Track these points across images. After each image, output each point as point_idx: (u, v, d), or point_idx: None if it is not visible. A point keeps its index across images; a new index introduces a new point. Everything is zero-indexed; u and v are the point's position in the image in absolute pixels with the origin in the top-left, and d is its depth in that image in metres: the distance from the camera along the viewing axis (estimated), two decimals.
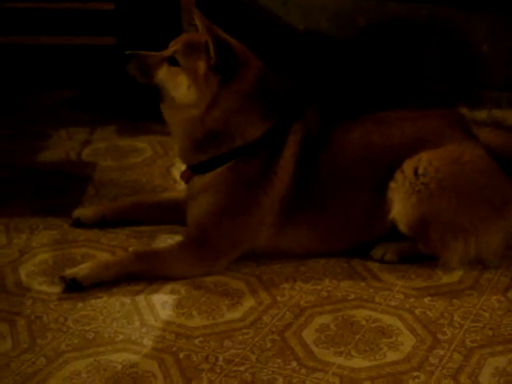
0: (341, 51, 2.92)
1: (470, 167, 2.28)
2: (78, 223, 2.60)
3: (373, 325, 2.06)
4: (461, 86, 2.92)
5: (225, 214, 2.31)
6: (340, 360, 1.93)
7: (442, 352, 1.95)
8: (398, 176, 2.31)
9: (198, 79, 2.27)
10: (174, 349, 1.98)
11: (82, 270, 2.25)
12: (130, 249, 2.45)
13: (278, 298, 2.19)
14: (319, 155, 2.34)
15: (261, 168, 2.31)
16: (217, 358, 1.95)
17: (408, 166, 2.30)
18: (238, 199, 2.31)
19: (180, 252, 2.32)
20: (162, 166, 3.08)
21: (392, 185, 2.32)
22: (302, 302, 2.17)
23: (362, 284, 2.25)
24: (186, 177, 2.42)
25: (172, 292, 2.23)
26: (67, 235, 2.56)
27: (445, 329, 2.04)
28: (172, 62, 2.32)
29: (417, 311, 2.11)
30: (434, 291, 2.21)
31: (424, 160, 2.29)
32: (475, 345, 1.97)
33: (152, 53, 2.37)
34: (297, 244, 2.38)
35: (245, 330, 2.05)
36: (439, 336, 2.01)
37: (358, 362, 1.92)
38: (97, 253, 2.44)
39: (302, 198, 2.33)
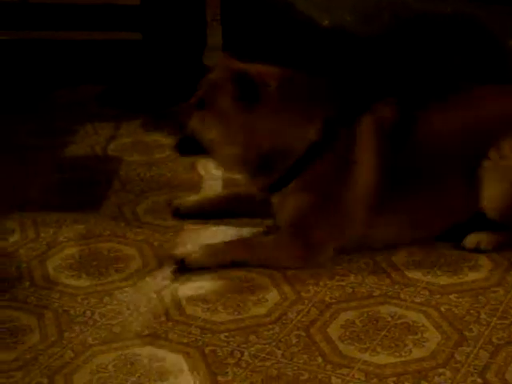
0: (365, 47, 2.90)
1: None
2: (177, 213, 2.63)
3: (398, 321, 2.06)
4: (488, 82, 2.89)
5: (313, 211, 2.32)
6: (365, 356, 1.93)
7: (468, 349, 1.94)
8: (493, 154, 2.30)
9: (224, 115, 2.29)
10: (200, 343, 1.99)
11: (193, 253, 2.31)
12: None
13: (303, 294, 2.19)
14: (405, 144, 2.33)
15: (337, 163, 2.31)
16: (242, 353, 1.96)
17: (504, 145, 2.29)
18: (323, 196, 2.32)
19: (279, 246, 2.35)
20: (186, 162, 3.09)
21: (486, 163, 2.30)
22: (326, 298, 2.17)
23: (387, 280, 2.25)
24: (263, 196, 2.44)
25: (198, 287, 2.24)
26: (94, 230, 2.58)
27: (471, 326, 2.03)
28: (199, 105, 2.35)
29: (442, 308, 2.11)
30: (460, 288, 2.20)
31: None
32: (502, 342, 1.96)
33: (183, 104, 2.41)
34: (388, 234, 2.39)
35: (270, 326, 2.06)
36: (465, 333, 2.00)
37: (384, 359, 1.92)
38: (122, 247, 2.46)
39: (390, 188, 2.32)
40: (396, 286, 2.22)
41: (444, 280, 2.24)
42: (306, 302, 2.16)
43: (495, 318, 2.06)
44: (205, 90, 2.36)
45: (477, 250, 2.36)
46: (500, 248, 2.37)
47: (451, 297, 2.16)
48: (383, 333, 2.02)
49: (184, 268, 2.30)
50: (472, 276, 2.26)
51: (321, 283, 2.25)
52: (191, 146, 2.40)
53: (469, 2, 2.84)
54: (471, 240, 2.37)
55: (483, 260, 2.34)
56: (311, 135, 2.31)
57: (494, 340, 1.97)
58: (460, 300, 2.14)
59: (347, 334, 2.02)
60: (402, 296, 2.17)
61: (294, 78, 2.35)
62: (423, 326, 2.04)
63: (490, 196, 2.32)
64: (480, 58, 2.89)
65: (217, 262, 2.31)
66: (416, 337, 2.00)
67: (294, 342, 1.99)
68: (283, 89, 2.30)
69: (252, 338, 2.01)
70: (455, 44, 2.88)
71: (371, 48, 2.93)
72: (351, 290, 2.21)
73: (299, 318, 2.09)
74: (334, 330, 2.03)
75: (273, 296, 2.19)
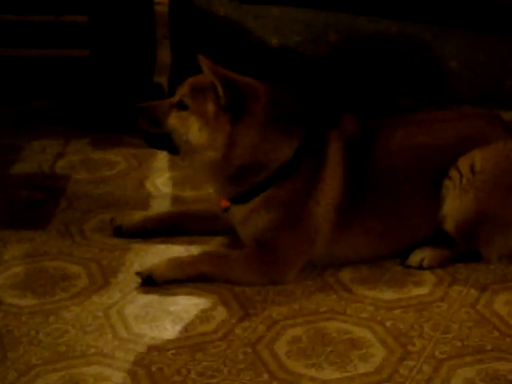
0: (313, 66, 2.95)
1: None
2: (119, 232, 2.61)
3: (344, 337, 2.08)
4: (432, 101, 2.96)
5: (280, 228, 2.33)
6: (311, 372, 1.94)
7: (411, 363, 1.97)
8: (453, 174, 2.37)
9: (209, 120, 2.28)
10: (146, 361, 1.98)
11: (157, 268, 2.32)
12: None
13: (250, 311, 2.20)
14: (367, 160, 2.38)
15: (307, 180, 2.34)
16: (189, 371, 1.95)
17: (463, 163, 2.36)
18: (291, 213, 2.33)
19: (247, 262, 2.35)
20: (135, 179, 3.08)
21: (447, 182, 2.37)
22: (274, 315, 2.18)
23: (334, 296, 2.27)
24: (224, 206, 2.43)
25: (145, 305, 2.23)
26: (40, 248, 2.55)
27: (415, 340, 2.06)
28: (180, 106, 2.33)
29: (387, 323, 2.14)
30: (405, 303, 2.23)
31: (479, 157, 2.36)
32: (445, 356, 2.00)
33: (160, 101, 2.39)
34: (352, 250, 2.41)
35: (217, 343, 2.06)
36: (409, 348, 2.03)
37: (329, 374, 1.94)
38: (69, 266, 2.44)
39: (355, 204, 2.36)
40: (342, 302, 2.24)
41: (389, 295, 2.27)
42: (254, 318, 2.17)
43: (438, 333, 2.09)
44: (188, 91, 2.33)
45: (420, 267, 2.40)
46: (445, 264, 2.41)
47: (396, 312, 2.19)
48: (329, 348, 2.03)
49: (152, 283, 2.29)
50: (416, 291, 2.29)
51: (268, 300, 2.26)
52: (163, 143, 2.38)
53: (414, 24, 2.90)
54: (414, 258, 2.41)
55: (427, 275, 2.37)
56: (288, 153, 2.34)
57: (437, 354, 2.00)
58: (404, 315, 2.17)
59: (294, 350, 2.03)
60: (348, 312, 2.20)
61: (279, 93, 2.37)
62: (369, 341, 2.06)
63: (454, 209, 2.37)
64: (425, 77, 2.96)
65: (182, 274, 2.31)
66: (361, 352, 2.02)
67: (240, 358, 2.00)
68: (270, 105, 2.32)
69: (199, 355, 2.01)
70: (400, 63, 2.94)
71: (319, 67, 2.97)
72: (298, 306, 2.23)
73: (246, 334, 2.10)
74: (280, 347, 2.04)
75: (220, 313, 2.19)
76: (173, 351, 2.03)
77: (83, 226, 2.69)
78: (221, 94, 2.26)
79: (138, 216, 2.67)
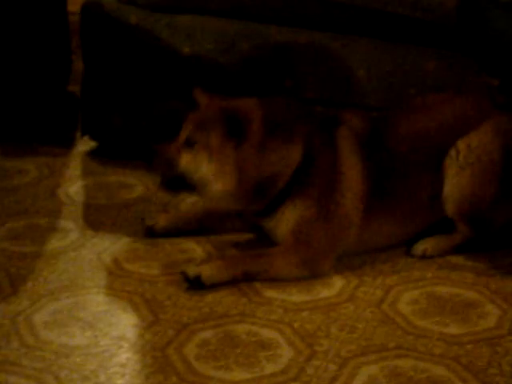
0: (224, 74, 2.98)
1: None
2: (151, 232, 2.64)
3: (253, 339, 2.11)
4: (342, 108, 3.03)
5: (314, 222, 2.43)
6: (220, 374, 1.97)
7: (318, 363, 2.01)
8: (452, 152, 2.50)
9: (215, 151, 2.36)
10: (54, 368, 1.97)
11: (206, 269, 2.34)
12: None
13: (161, 316, 2.21)
14: (380, 149, 2.51)
15: (325, 175, 2.45)
16: (98, 377, 1.95)
17: (461, 143, 2.49)
18: (320, 207, 2.43)
19: (287, 257, 2.42)
20: (47, 187, 3.05)
21: (447, 161, 2.50)
22: (184, 319, 2.20)
23: (244, 299, 2.30)
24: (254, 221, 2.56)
25: (54, 312, 2.21)
26: None
27: (322, 340, 2.11)
28: (188, 144, 2.40)
29: (295, 324, 2.18)
30: (313, 305, 2.28)
31: (474, 136, 2.49)
32: (350, 355, 2.05)
33: (170, 144, 2.44)
34: (380, 236, 2.55)
35: (126, 348, 2.06)
36: (316, 347, 2.08)
37: (238, 375, 1.96)
38: None
39: (377, 192, 2.49)
40: (252, 305, 2.27)
41: (298, 298, 2.32)
42: (163, 323, 2.18)
43: (344, 332, 2.15)
44: (193, 128, 2.41)
45: (423, 257, 2.54)
46: (447, 253, 2.55)
47: (304, 314, 2.23)
48: (238, 350, 2.06)
49: (200, 285, 2.32)
50: (324, 293, 2.35)
51: (179, 304, 2.27)
52: (180, 184, 2.44)
53: (322, 33, 2.97)
54: (418, 248, 2.55)
55: (336, 277, 2.43)
56: (296, 157, 2.43)
57: (343, 353, 2.05)
58: (312, 316, 2.22)
59: (203, 353, 2.05)
60: (257, 314, 2.23)
61: (273, 106, 2.47)
62: (277, 342, 2.10)
63: (453, 186, 2.50)
64: (334, 85, 3.03)
65: (228, 276, 2.36)
66: (269, 353, 2.05)
67: (149, 362, 2.00)
68: (266, 121, 2.40)
69: (107, 361, 2.01)
70: (310, 71, 3.00)
71: (230, 75, 3.01)
72: (209, 309, 2.25)
73: (156, 339, 2.10)
74: (190, 350, 2.06)
75: (130, 318, 2.20)
76: (81, 357, 2.02)
77: None
78: (221, 124, 2.35)
79: (169, 216, 2.71)
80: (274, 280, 2.38)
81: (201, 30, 3.04)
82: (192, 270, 2.34)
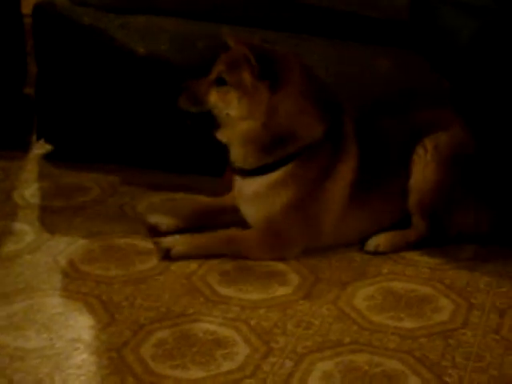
0: (180, 73, 2.97)
1: (471, 148, 2.58)
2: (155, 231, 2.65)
3: (210, 337, 2.12)
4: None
5: (296, 207, 2.47)
6: (176, 372, 1.97)
7: (274, 359, 2.03)
8: (420, 150, 2.57)
9: (247, 90, 2.40)
10: (9, 371, 1.95)
11: (178, 245, 2.49)
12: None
13: (117, 316, 2.20)
14: (368, 141, 2.57)
15: (327, 161, 2.49)
16: (53, 380, 1.93)
17: (429, 142, 2.57)
18: (308, 192, 2.47)
19: (256, 240, 2.51)
20: (2, 191, 3.01)
21: (414, 157, 2.57)
22: (141, 319, 2.19)
23: (201, 298, 2.31)
24: (229, 180, 2.59)
25: (9, 315, 2.19)
26: None
27: (278, 338, 2.12)
28: (219, 82, 2.45)
29: (252, 322, 2.19)
30: (270, 303, 2.29)
31: (442, 137, 2.57)
32: (306, 351, 2.06)
33: (199, 80, 2.49)
34: (356, 227, 2.59)
35: (81, 350, 2.05)
36: (272, 345, 2.09)
37: (194, 374, 1.96)
38: None
39: (361, 182, 2.54)
40: (209, 304, 2.28)
41: (255, 296, 2.32)
42: (120, 323, 2.17)
43: (300, 329, 2.16)
44: (224, 67, 2.44)
45: (376, 253, 2.56)
46: (401, 249, 2.59)
47: (261, 311, 2.24)
48: (195, 349, 2.06)
49: (167, 256, 2.47)
50: (281, 291, 2.36)
51: (136, 304, 2.26)
52: (203, 120, 2.48)
53: (276, 32, 2.98)
54: (370, 244, 2.58)
55: (292, 275, 2.45)
56: (319, 132, 2.48)
57: (299, 350, 2.07)
58: (269, 314, 2.23)
59: (159, 352, 2.05)
60: (214, 313, 2.23)
61: (311, 72, 2.53)
62: (233, 340, 2.11)
63: (417, 180, 2.56)
64: None
65: (197, 255, 2.48)
66: (226, 351, 2.06)
67: (105, 364, 2.00)
68: (307, 77, 2.46)
69: (63, 363, 2.00)
70: None
71: (186, 74, 3.00)
72: (165, 309, 2.25)
73: (112, 340, 2.10)
74: (146, 350, 2.05)
75: (86, 319, 2.18)
76: (37, 360, 2.00)
77: None
78: (253, 63, 2.37)
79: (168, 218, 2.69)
80: (245, 258, 2.50)
81: (155, 30, 3.04)
82: (166, 243, 2.49)
